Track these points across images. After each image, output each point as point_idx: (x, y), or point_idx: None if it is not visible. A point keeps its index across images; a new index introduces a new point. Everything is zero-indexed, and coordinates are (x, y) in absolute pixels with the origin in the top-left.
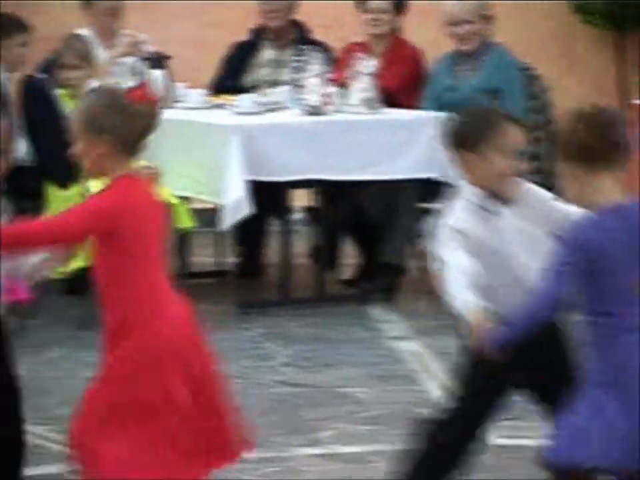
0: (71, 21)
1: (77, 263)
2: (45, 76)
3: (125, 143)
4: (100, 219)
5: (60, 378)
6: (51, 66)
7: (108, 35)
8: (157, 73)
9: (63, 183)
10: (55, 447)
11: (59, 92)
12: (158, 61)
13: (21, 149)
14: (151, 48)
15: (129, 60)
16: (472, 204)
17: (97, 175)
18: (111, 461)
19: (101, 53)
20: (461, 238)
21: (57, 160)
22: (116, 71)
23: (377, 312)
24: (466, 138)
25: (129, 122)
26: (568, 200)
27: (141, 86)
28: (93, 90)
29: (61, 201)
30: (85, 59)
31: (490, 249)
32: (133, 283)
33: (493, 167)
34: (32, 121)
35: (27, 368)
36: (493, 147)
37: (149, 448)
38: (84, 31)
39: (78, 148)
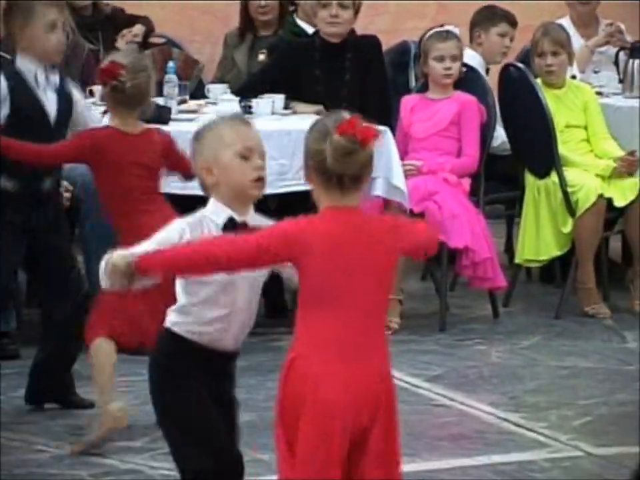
0: (550, 10)
1: (552, 251)
2: (521, 65)
3: (327, 173)
4: (282, 244)
5: (533, 366)
6: (528, 54)
7: (585, 23)
8: (636, 63)
9: (541, 171)
10: (527, 433)
11: (537, 80)
12: (638, 50)
13: (501, 136)
14: (629, 37)
15: (608, 49)
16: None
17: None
18: None
19: (577, 41)
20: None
21: (535, 148)
22: (595, 60)
23: None
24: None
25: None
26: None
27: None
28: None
29: (537, 189)
30: (562, 46)
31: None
32: (307, 326)
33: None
34: (510, 109)
35: (500, 355)
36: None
37: None
38: (562, 19)
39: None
